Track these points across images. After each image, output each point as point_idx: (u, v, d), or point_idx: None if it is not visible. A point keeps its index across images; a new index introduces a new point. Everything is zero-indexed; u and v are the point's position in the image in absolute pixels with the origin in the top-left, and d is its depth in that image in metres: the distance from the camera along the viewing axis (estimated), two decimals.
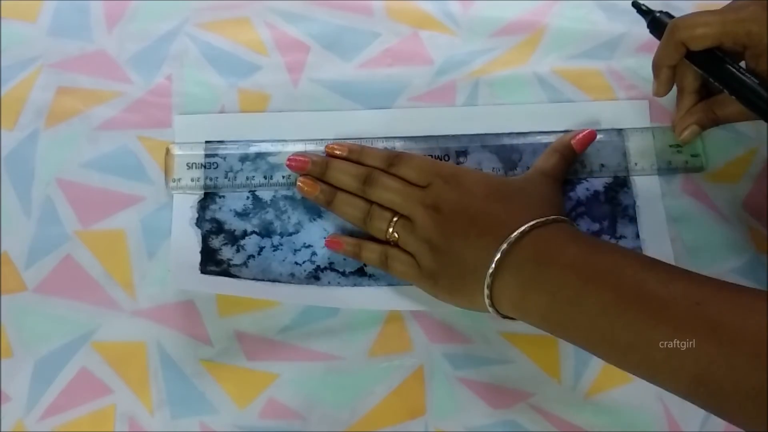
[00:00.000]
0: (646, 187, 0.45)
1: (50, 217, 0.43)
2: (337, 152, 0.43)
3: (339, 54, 0.48)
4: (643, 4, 0.43)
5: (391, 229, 0.40)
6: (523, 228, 0.36)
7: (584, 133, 0.44)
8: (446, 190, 0.39)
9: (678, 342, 0.31)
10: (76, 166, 0.44)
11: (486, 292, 0.36)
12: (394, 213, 0.40)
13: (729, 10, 0.39)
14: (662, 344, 0.31)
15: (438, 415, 0.41)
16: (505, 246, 0.36)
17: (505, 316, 0.37)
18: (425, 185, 0.40)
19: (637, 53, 0.48)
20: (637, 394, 0.42)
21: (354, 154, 0.43)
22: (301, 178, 0.42)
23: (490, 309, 0.37)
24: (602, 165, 0.45)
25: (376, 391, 0.41)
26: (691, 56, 0.41)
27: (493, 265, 0.36)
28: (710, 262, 0.43)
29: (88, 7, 0.47)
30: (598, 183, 0.45)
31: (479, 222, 0.38)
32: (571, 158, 0.43)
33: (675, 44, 0.40)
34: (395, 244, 0.41)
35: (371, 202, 0.41)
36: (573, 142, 0.43)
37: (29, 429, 0.40)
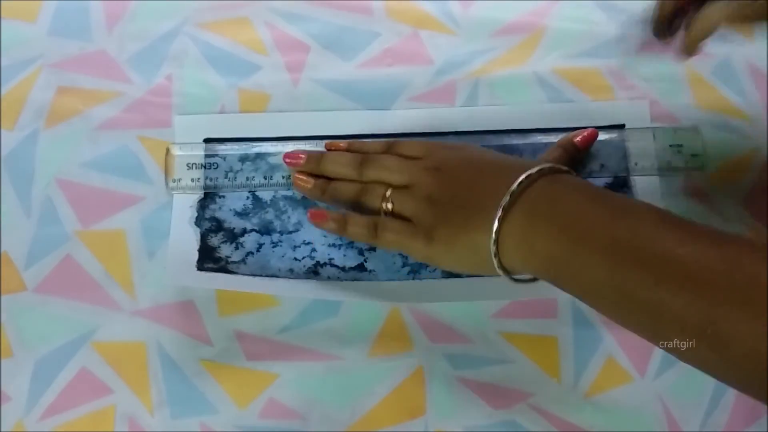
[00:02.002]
0: (646, 187, 0.45)
1: (50, 217, 0.43)
2: (341, 145, 0.43)
3: (339, 54, 0.48)
4: None
5: (386, 203, 0.39)
6: (541, 166, 0.35)
7: (587, 131, 0.44)
8: (448, 154, 0.39)
9: (691, 281, 0.29)
10: (76, 166, 0.44)
11: (495, 226, 0.34)
12: (388, 187, 0.40)
13: None
14: (674, 283, 0.29)
15: (438, 415, 0.41)
16: (523, 177, 0.35)
17: (504, 270, 0.36)
18: (424, 156, 0.39)
19: (638, 53, 0.48)
20: (637, 394, 0.42)
21: (354, 148, 0.43)
22: (296, 173, 0.42)
23: (493, 248, 0.35)
24: (602, 165, 0.45)
25: (376, 391, 0.41)
26: None
27: (507, 197, 0.34)
28: None
29: (88, 7, 0.47)
30: (598, 183, 0.45)
31: (486, 172, 0.37)
32: (574, 155, 0.43)
33: None
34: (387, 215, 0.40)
35: (364, 185, 0.40)
36: (576, 140, 0.43)
37: (29, 429, 0.40)
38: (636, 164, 0.45)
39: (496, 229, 0.35)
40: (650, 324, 0.31)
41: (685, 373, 0.42)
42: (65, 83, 0.45)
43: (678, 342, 0.30)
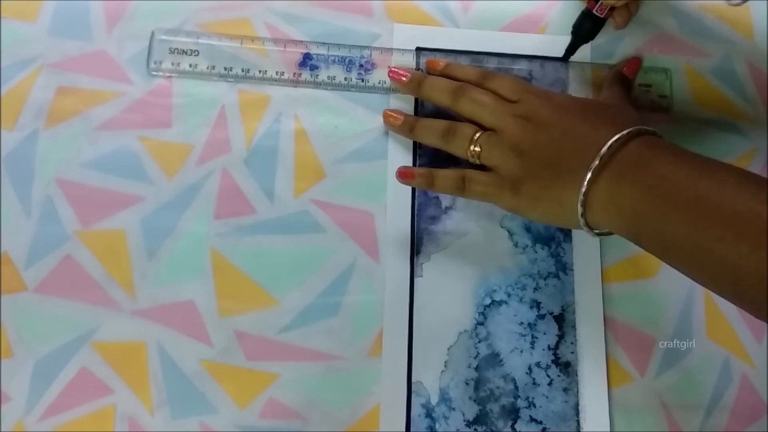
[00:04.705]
0: None
1: (50, 217, 0.43)
2: (440, 65, 0.45)
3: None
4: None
5: (473, 146, 0.40)
6: (629, 130, 0.36)
7: (630, 60, 0.46)
8: (538, 104, 0.40)
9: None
10: (76, 166, 0.44)
11: (584, 188, 0.36)
12: (476, 129, 0.41)
13: None
14: (753, 240, 0.30)
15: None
16: (612, 141, 0.36)
17: (589, 228, 0.37)
18: (515, 100, 0.41)
19: (637, 52, 0.48)
20: (637, 394, 0.42)
21: (450, 69, 0.45)
22: (386, 111, 0.45)
23: (581, 209, 0.36)
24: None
25: (376, 391, 0.41)
26: None
27: (597, 161, 0.36)
28: None
29: (88, 7, 0.47)
30: None
31: (575, 130, 0.38)
32: (629, 86, 0.45)
33: None
34: (473, 165, 0.41)
35: (453, 123, 0.42)
36: (624, 70, 0.45)
37: (29, 429, 0.40)
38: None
39: (585, 191, 0.36)
40: (728, 279, 0.32)
41: (685, 373, 0.42)
42: (65, 83, 0.45)
43: (755, 297, 0.31)
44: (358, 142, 0.45)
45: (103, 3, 0.47)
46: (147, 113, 0.45)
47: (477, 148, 0.40)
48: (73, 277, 0.42)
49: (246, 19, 0.48)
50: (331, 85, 0.46)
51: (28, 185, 0.43)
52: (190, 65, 0.46)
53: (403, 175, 0.42)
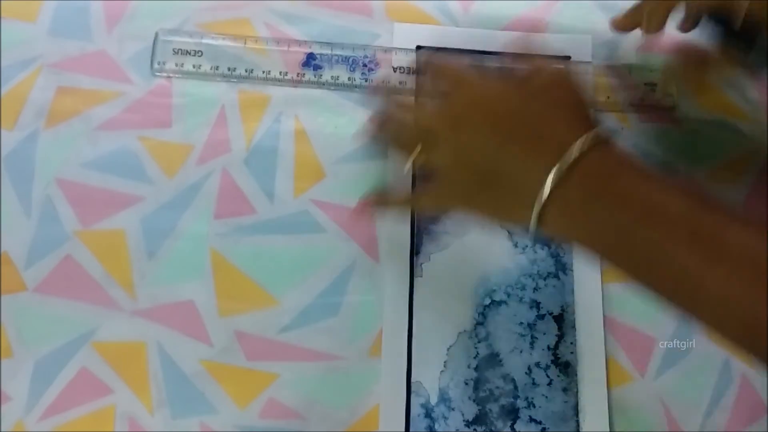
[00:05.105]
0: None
1: (50, 217, 0.43)
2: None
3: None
4: None
5: (414, 158, 0.38)
6: (573, 148, 0.32)
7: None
8: (468, 102, 0.36)
9: (732, 283, 0.28)
10: (76, 166, 0.44)
11: (534, 219, 0.33)
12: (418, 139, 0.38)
13: None
14: (715, 284, 0.29)
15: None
16: (555, 170, 0.32)
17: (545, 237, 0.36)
18: (448, 97, 0.37)
19: (638, 52, 0.48)
20: (637, 394, 0.42)
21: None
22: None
23: (533, 230, 0.33)
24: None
25: (376, 391, 0.41)
26: None
27: (548, 191, 0.32)
28: None
29: (88, 7, 0.47)
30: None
31: (515, 139, 0.34)
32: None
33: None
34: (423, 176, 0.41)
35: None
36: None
37: (29, 429, 0.40)
38: (608, 98, 0.46)
39: (535, 222, 0.33)
40: (695, 313, 0.30)
41: (685, 373, 0.42)
42: (65, 83, 0.45)
43: (711, 319, 0.30)
44: (358, 142, 0.45)
45: (103, 3, 0.47)
46: (147, 113, 0.45)
47: (418, 160, 0.38)
48: (73, 277, 0.42)
49: (246, 19, 0.48)
50: (335, 85, 0.46)
51: (28, 185, 0.44)
52: (194, 66, 0.46)
53: (359, 212, 0.43)
